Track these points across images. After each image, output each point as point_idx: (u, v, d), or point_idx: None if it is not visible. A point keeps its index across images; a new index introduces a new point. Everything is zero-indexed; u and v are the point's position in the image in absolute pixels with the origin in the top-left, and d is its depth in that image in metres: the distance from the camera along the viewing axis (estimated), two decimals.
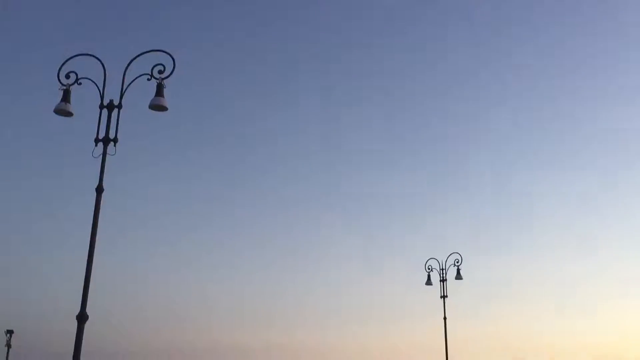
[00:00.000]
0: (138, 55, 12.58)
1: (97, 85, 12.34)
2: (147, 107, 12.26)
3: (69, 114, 12.27)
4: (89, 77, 12.40)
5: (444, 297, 31.94)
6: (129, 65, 12.52)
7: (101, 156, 12.08)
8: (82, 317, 11.79)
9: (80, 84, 12.35)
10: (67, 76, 12.35)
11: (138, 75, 12.43)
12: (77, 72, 12.39)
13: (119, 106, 12.25)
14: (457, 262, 31.55)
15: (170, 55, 12.33)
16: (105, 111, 12.38)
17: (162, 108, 12.26)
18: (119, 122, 12.22)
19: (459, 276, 31.35)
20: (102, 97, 12.31)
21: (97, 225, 12.10)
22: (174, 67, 12.27)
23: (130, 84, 12.37)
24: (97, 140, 12.09)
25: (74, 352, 11.69)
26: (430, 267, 32.51)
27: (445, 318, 31.59)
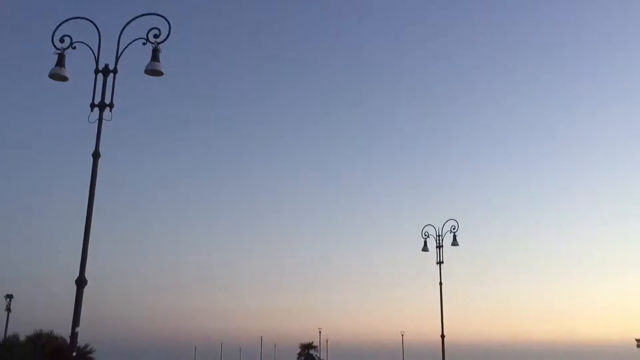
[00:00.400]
0: (133, 19, 12.40)
1: (92, 50, 12.19)
2: (143, 72, 12.17)
3: (64, 78, 12.15)
4: (84, 41, 12.25)
5: (440, 263, 32.22)
6: (124, 29, 12.34)
7: (97, 122, 12.03)
8: (81, 282, 11.88)
9: (74, 48, 12.20)
10: (62, 40, 12.20)
11: (133, 39, 12.29)
12: (71, 36, 12.25)
13: (115, 71, 12.13)
14: (454, 229, 31.77)
15: (166, 19, 12.14)
16: (100, 76, 12.27)
17: (158, 73, 12.14)
18: (115, 87, 12.14)
19: (455, 242, 31.58)
20: (97, 62, 12.17)
21: (94, 191, 12.10)
22: (169, 32, 12.11)
23: (125, 48, 12.22)
24: (92, 106, 12.00)
25: (73, 316, 11.81)
26: (426, 233, 32.72)
27: (441, 284, 31.91)
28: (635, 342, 54.36)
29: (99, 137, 12.04)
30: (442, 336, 31.53)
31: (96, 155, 12.17)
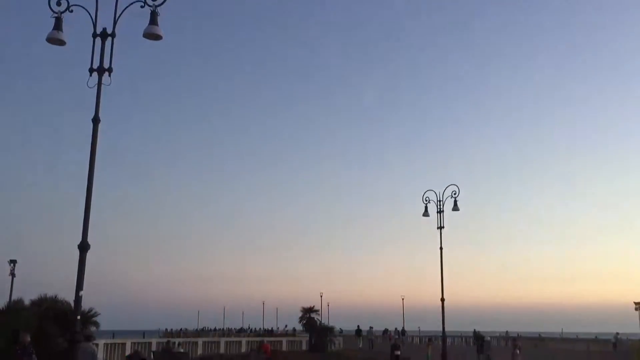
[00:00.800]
0: None
1: (89, 13, 12.02)
2: (141, 36, 12.02)
3: (61, 42, 12.01)
4: (81, 4, 12.08)
5: (440, 228, 32.39)
6: None
7: (96, 86, 11.94)
8: (83, 246, 11.97)
9: (71, 11, 12.02)
10: (59, 3, 12.01)
11: (131, 2, 12.13)
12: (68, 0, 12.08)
13: (112, 35, 11.98)
14: (455, 194, 31.83)
15: None
16: (98, 40, 12.13)
17: (156, 37, 12.00)
18: (113, 51, 12.01)
19: (456, 207, 31.68)
20: (94, 26, 12.02)
21: (95, 156, 12.09)
22: None
23: (123, 11, 12.06)
24: (91, 70, 11.89)
25: (77, 281, 11.93)
26: (427, 198, 32.81)
27: (441, 248, 32.14)
28: (634, 305, 55.02)
29: (99, 102, 11.96)
30: (442, 300, 31.88)
31: (96, 120, 12.11)
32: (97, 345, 21.82)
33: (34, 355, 13.47)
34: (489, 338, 41.87)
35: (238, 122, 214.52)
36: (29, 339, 13.88)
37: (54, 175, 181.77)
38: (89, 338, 15.79)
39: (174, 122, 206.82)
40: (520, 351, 26.50)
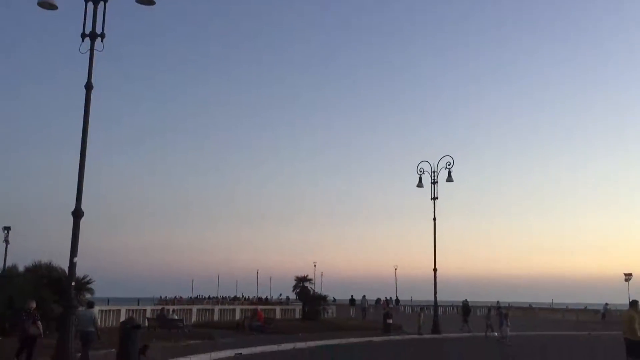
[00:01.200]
0: None
1: None
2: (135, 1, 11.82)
3: (52, 6, 11.82)
4: None
5: (434, 199, 32.54)
6: None
7: (89, 52, 11.79)
8: (77, 213, 11.97)
9: None
10: None
11: None
12: None
13: None
14: (449, 165, 31.91)
15: None
16: (91, 5, 11.94)
17: (150, 2, 11.81)
18: (106, 16, 11.83)
19: (450, 178, 31.76)
20: None
21: (88, 123, 12.01)
22: None
23: None
24: (83, 36, 11.73)
25: (71, 248, 11.97)
26: (422, 169, 32.91)
27: (434, 219, 32.36)
28: (624, 276, 55.73)
29: (91, 68, 11.83)
30: (435, 270, 32.22)
31: (89, 86, 12.00)
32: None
33: (39, 321, 13.74)
34: (497, 305, 42.55)
35: (234, 88, 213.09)
36: (34, 305, 14.18)
37: (47, 141, 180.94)
38: (91, 304, 16.02)
39: (169, 89, 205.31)
40: (507, 319, 26.99)
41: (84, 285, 21.32)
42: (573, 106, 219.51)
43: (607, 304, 57.00)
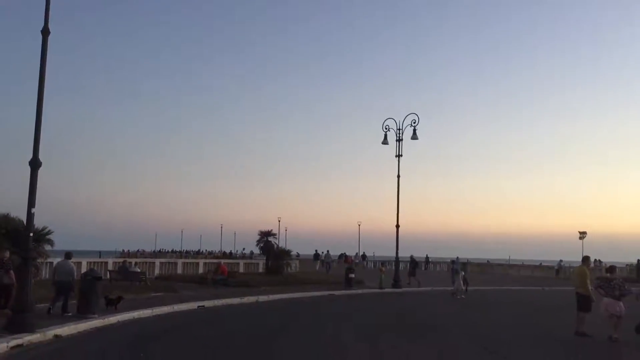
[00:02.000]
0: None
1: None
2: None
3: None
4: None
5: (399, 156, 32.79)
6: None
7: None
8: (35, 163, 11.69)
9: None
10: None
11: None
12: None
13: None
14: (414, 123, 32.07)
15: None
16: None
17: None
18: None
19: (415, 136, 31.98)
20: None
21: (45, 70, 11.62)
22: None
23: None
24: None
25: (28, 198, 11.71)
26: (387, 126, 33.00)
27: (398, 176, 32.70)
28: (579, 234, 57.58)
29: (48, 11, 11.38)
30: (397, 226, 32.73)
31: (45, 32, 11.56)
32: (52, 263, 21.74)
33: (11, 270, 13.64)
34: (466, 261, 43.59)
35: (207, 45, 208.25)
36: (8, 254, 14.06)
37: (4, 90, 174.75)
38: (69, 255, 16.05)
39: (116, 34, 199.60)
40: (465, 274, 27.91)
41: (43, 236, 20.99)
42: (537, 59, 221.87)
43: (561, 261, 59.02)
